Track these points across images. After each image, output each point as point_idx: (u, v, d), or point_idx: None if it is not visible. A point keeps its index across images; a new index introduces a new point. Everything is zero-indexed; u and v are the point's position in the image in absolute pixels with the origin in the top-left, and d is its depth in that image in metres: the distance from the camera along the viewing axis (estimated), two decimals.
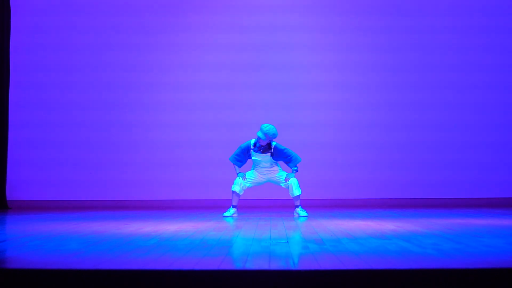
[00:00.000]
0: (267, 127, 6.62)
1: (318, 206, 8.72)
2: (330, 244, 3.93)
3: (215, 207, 8.57)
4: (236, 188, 6.80)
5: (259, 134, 6.62)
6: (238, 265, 3.14)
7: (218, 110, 9.22)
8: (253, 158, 6.77)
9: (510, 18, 9.30)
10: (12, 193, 9.07)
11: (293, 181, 6.76)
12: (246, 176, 6.83)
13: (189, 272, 2.83)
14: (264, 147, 6.69)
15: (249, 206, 8.55)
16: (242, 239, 4.32)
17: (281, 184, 6.87)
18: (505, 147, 9.17)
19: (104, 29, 9.28)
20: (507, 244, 3.86)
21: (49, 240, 4.25)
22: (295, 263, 3.12)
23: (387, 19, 9.30)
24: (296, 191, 6.77)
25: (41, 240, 4.24)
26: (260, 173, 6.84)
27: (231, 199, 6.92)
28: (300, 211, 6.85)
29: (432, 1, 9.34)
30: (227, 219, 6.51)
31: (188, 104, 9.24)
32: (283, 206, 8.54)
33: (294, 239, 4.30)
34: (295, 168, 6.77)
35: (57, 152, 9.15)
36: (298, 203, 6.88)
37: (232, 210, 6.85)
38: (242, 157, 6.81)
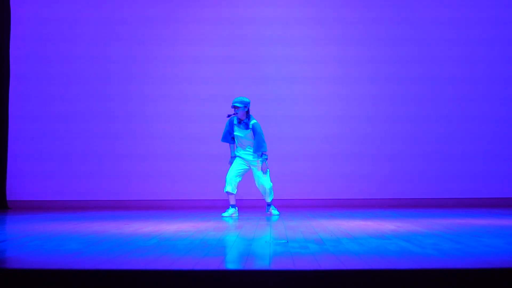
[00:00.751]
0: (237, 98, 6.89)
1: (318, 206, 8.72)
2: (330, 244, 3.93)
3: (215, 207, 8.57)
4: (228, 188, 6.86)
5: (233, 103, 6.82)
6: (238, 265, 3.14)
7: (219, 106, 9.19)
8: (235, 133, 6.92)
9: (507, 11, 9.28)
10: (12, 193, 9.07)
11: (268, 185, 6.90)
12: (233, 163, 6.95)
13: (189, 272, 2.83)
14: (244, 122, 6.86)
15: (249, 206, 8.55)
16: (242, 239, 4.32)
17: (254, 173, 6.93)
18: (505, 148, 9.16)
19: (104, 22, 9.26)
20: (507, 244, 3.86)
21: (49, 240, 4.25)
22: (295, 263, 3.12)
23: (386, 12, 9.29)
24: (269, 198, 7.03)
25: (41, 240, 4.24)
26: (242, 156, 6.94)
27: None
28: (273, 210, 7.11)
29: None
30: (226, 219, 6.51)
31: (189, 99, 9.23)
32: (283, 206, 8.53)
33: (294, 239, 4.30)
34: (265, 157, 6.88)
35: (57, 153, 9.14)
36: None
37: (231, 210, 6.86)
38: (227, 133, 7.01)
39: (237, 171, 6.91)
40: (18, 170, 9.11)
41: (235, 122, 6.93)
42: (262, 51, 9.28)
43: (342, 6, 9.31)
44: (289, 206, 8.61)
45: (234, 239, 4.37)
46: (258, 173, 6.93)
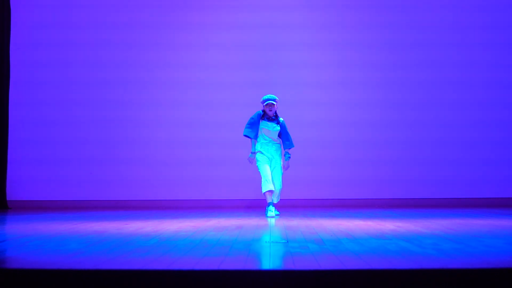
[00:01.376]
0: (270, 96, 7.01)
1: (318, 206, 8.72)
2: (330, 244, 3.93)
3: (215, 207, 8.58)
4: (270, 187, 6.84)
5: (269, 99, 6.91)
6: (238, 265, 3.14)
7: (219, 109, 9.21)
8: (262, 127, 6.98)
9: (510, 15, 9.29)
10: (12, 193, 9.07)
11: (281, 185, 7.00)
12: (262, 161, 6.95)
13: (189, 272, 2.83)
14: (273, 118, 7.03)
15: (249, 206, 8.55)
16: (242, 239, 4.32)
17: (275, 170, 6.98)
18: (505, 147, 9.16)
19: (104, 27, 9.27)
20: (507, 244, 3.86)
21: (49, 240, 4.25)
22: (295, 263, 3.12)
23: (387, 17, 9.29)
24: (277, 199, 7.08)
25: (41, 240, 4.24)
26: (266, 152, 6.98)
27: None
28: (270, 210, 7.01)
29: None
30: (271, 218, 6.55)
31: (188, 102, 9.24)
32: (283, 206, 8.54)
33: (294, 239, 4.30)
34: (289, 155, 7.06)
35: (57, 152, 9.14)
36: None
37: (272, 208, 6.86)
38: (254, 126, 7.02)
39: (268, 168, 6.95)
40: (18, 170, 9.11)
41: (263, 117, 7.03)
42: (263, 56, 9.27)
43: (347, 11, 9.30)
44: (290, 206, 8.61)
45: (234, 239, 4.36)
46: (278, 170, 6.99)
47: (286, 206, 8.52)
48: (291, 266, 3.04)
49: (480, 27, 9.26)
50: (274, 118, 7.04)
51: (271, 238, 4.38)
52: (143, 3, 9.33)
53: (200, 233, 4.74)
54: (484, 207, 8.24)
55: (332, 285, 2.75)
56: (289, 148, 7.09)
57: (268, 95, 7.02)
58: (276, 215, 6.99)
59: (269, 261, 3.25)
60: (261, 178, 6.95)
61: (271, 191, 6.88)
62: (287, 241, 4.11)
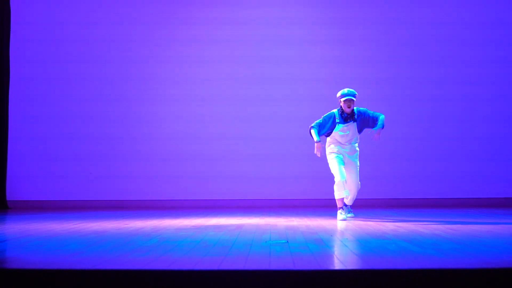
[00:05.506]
0: (349, 90, 6.28)
1: (318, 206, 8.72)
2: (330, 244, 3.93)
3: (215, 207, 8.57)
4: (342, 194, 6.19)
5: (348, 95, 6.21)
6: (238, 265, 3.14)
7: (218, 106, 9.20)
8: (335, 130, 6.34)
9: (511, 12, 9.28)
10: (12, 193, 9.07)
11: (358, 183, 6.41)
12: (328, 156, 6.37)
13: (189, 272, 2.83)
14: (349, 114, 6.31)
15: (249, 206, 8.54)
16: (242, 239, 4.32)
17: (348, 170, 6.35)
18: (505, 148, 9.15)
19: (106, 23, 9.25)
20: (507, 244, 3.87)
21: (49, 240, 4.25)
22: (295, 263, 3.12)
23: (386, 13, 9.27)
24: (351, 202, 6.50)
25: (41, 240, 4.24)
26: (339, 150, 6.36)
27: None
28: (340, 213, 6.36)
29: None
30: (341, 219, 6.13)
31: (187, 99, 9.23)
32: (283, 206, 8.54)
33: (294, 239, 4.30)
34: (379, 127, 6.25)
35: (57, 153, 9.14)
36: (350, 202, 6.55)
37: (342, 211, 6.28)
38: (325, 126, 6.40)
39: (343, 169, 6.31)
40: (18, 170, 9.11)
41: (338, 120, 6.35)
42: (267, 51, 9.25)
43: (350, 7, 9.29)
44: (290, 206, 8.61)
45: (234, 239, 4.36)
46: (352, 169, 6.36)
47: (286, 206, 8.52)
48: (291, 266, 3.04)
49: (479, 23, 9.23)
50: (351, 117, 6.30)
51: (271, 238, 4.38)
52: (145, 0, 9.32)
53: (200, 233, 4.74)
54: (484, 207, 8.24)
55: (332, 285, 2.75)
56: (381, 126, 6.24)
57: (348, 90, 6.27)
58: (348, 217, 6.34)
59: (269, 261, 3.25)
60: (334, 178, 6.30)
61: (342, 198, 6.28)
62: (287, 241, 4.11)
